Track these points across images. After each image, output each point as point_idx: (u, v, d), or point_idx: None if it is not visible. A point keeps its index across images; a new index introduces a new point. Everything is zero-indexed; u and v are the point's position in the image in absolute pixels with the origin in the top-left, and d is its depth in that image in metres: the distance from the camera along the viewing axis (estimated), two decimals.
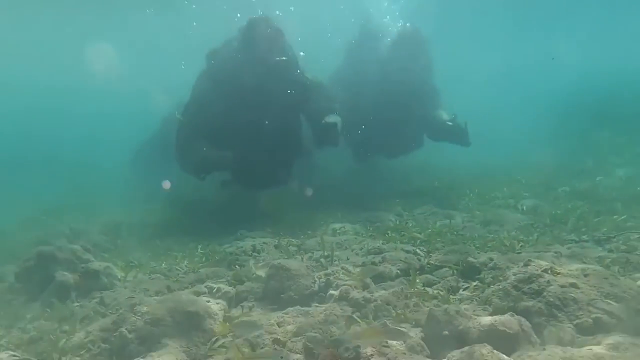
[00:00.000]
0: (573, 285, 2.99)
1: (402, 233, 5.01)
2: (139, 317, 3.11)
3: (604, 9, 20.50)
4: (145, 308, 3.18)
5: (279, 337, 2.99)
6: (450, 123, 6.98)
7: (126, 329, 3.07)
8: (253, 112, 5.87)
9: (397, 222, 5.70)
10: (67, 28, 16.60)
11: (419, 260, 4.07)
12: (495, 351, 2.33)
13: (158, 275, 4.40)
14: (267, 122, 5.89)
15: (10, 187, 10.09)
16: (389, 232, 5.12)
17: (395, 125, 7.32)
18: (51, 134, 18.75)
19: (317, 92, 6.36)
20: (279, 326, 3.11)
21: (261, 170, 6.00)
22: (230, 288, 3.82)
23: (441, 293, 3.43)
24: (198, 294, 3.74)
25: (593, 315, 2.80)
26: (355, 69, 7.75)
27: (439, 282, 3.68)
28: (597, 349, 2.44)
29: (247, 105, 5.84)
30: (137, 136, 9.73)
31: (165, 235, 5.91)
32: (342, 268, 3.79)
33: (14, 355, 2.91)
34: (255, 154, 5.86)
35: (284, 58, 5.90)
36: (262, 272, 3.87)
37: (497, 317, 2.66)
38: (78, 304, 3.95)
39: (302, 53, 6.44)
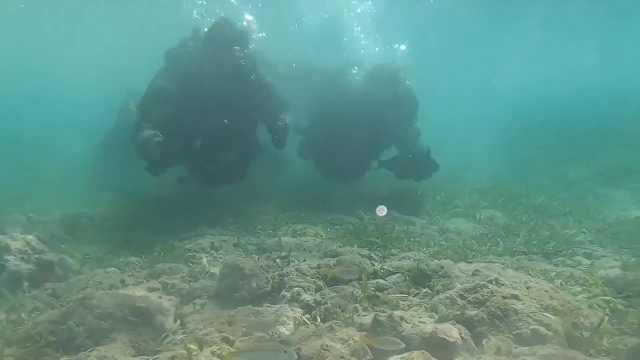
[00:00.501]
0: (515, 296, 3.10)
1: (360, 237, 5.09)
2: (88, 311, 3.11)
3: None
4: (95, 302, 3.18)
5: (228, 336, 3.03)
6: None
7: (74, 322, 3.06)
8: (210, 110, 5.89)
9: (357, 226, 5.78)
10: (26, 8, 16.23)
11: (373, 265, 4.15)
12: (432, 358, 2.41)
13: (113, 268, 4.38)
14: (225, 121, 5.90)
15: None
16: (347, 235, 5.20)
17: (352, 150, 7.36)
18: (11, 118, 18.24)
19: (271, 94, 6.48)
20: (229, 325, 3.15)
21: (217, 167, 6.01)
22: (185, 285, 3.83)
23: (392, 299, 3.50)
24: (151, 289, 3.75)
25: (531, 327, 2.91)
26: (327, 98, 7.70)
27: (391, 288, 3.75)
28: (530, 359, 2.55)
29: (205, 103, 5.87)
30: (100, 125, 9.57)
31: (125, 228, 5.86)
32: (297, 270, 3.84)
33: None
34: (211, 151, 5.88)
35: (242, 62, 5.97)
36: (216, 270, 3.89)
37: (438, 325, 2.74)
38: (29, 294, 3.90)
39: (263, 34, 6.51)
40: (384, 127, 7.26)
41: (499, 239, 5.12)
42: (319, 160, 7.75)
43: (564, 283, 3.67)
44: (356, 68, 7.59)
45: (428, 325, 2.79)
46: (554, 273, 3.88)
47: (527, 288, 3.28)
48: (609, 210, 6.28)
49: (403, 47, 9.02)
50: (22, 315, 3.40)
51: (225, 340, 2.99)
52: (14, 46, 18.37)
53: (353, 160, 7.41)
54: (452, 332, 2.69)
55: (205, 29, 6.22)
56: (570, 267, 4.05)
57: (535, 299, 3.12)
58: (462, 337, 2.71)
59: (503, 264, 4.04)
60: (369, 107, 7.05)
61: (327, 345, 2.41)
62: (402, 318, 2.87)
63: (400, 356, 2.49)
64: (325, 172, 7.72)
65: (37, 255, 4.30)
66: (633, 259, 4.08)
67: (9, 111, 18.85)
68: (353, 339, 2.72)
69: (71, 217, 6.30)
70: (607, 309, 3.17)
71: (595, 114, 14.14)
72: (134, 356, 2.88)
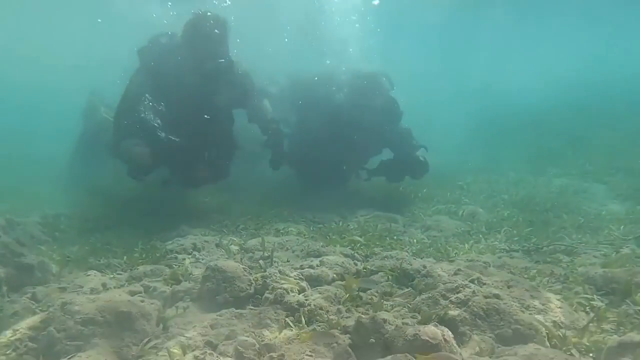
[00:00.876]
0: (496, 296, 3.13)
1: (343, 236, 5.10)
2: (69, 316, 3.07)
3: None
4: (76, 307, 3.14)
5: (211, 340, 3.01)
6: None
7: (55, 328, 3.02)
8: (191, 108, 5.84)
9: (340, 224, 5.78)
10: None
11: (356, 264, 4.16)
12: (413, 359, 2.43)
13: (94, 271, 4.33)
14: (206, 117, 5.85)
15: None
16: (330, 234, 5.20)
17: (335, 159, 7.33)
18: None
19: (253, 89, 6.50)
20: (212, 328, 3.14)
21: (200, 167, 5.97)
22: (167, 287, 3.80)
23: (374, 299, 3.52)
24: (133, 293, 3.71)
25: (513, 326, 2.94)
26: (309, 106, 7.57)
27: (374, 287, 3.76)
28: (512, 359, 2.58)
29: (185, 101, 5.82)
30: (68, 126, 9.43)
31: (106, 229, 5.80)
32: (280, 271, 3.83)
33: None
34: (194, 151, 5.84)
35: (222, 60, 5.94)
36: (199, 272, 3.86)
37: (421, 327, 2.76)
38: (8, 299, 3.84)
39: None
40: (370, 133, 7.12)
41: (480, 236, 5.16)
42: (300, 168, 7.65)
43: (544, 281, 3.70)
44: (338, 73, 7.48)
45: (411, 327, 2.80)
46: (535, 271, 3.92)
47: (509, 287, 3.32)
48: (588, 206, 6.37)
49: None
50: (2, 321, 3.33)
51: (209, 344, 2.98)
52: None
53: (334, 168, 7.36)
54: (435, 334, 2.70)
55: (184, 24, 6.14)
56: (551, 264, 4.10)
57: (516, 298, 3.16)
58: (444, 339, 2.72)
59: (485, 262, 4.07)
60: (351, 114, 6.95)
61: (310, 351, 2.41)
62: (385, 320, 2.88)
63: (382, 359, 2.50)
64: (306, 179, 7.66)
65: (16, 259, 4.23)
66: (613, 255, 4.14)
67: None
68: (336, 342, 2.72)
69: (51, 218, 6.23)
70: (588, 307, 3.21)
71: (572, 109, 14.32)
72: None
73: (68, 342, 2.98)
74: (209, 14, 6.08)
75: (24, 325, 3.18)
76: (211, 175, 6.19)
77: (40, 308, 3.54)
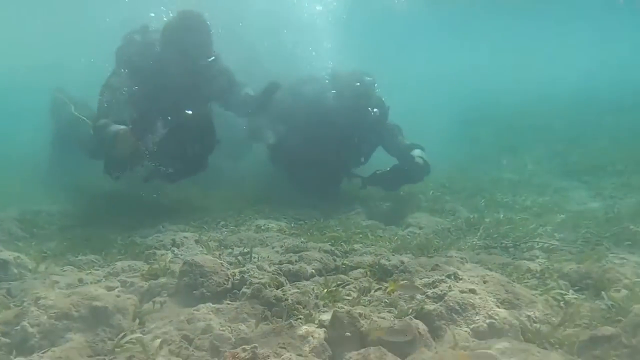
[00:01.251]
0: (472, 291, 3.16)
1: (324, 232, 5.11)
2: (43, 311, 3.04)
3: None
4: (50, 302, 3.11)
5: (187, 334, 3.00)
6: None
7: (28, 322, 2.98)
8: (170, 101, 5.83)
9: (322, 221, 5.79)
10: None
11: (335, 260, 4.17)
12: (388, 353, 2.44)
13: (71, 267, 4.28)
14: (188, 112, 5.82)
15: None
16: (311, 230, 5.21)
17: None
18: None
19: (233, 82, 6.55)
20: (188, 323, 3.12)
21: (181, 161, 5.95)
22: (144, 283, 3.78)
23: (352, 294, 3.53)
24: (110, 288, 3.69)
25: (488, 321, 2.97)
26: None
27: (352, 283, 3.77)
28: (486, 354, 2.59)
29: (165, 100, 5.81)
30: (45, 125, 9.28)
31: (85, 225, 5.74)
32: (258, 267, 3.83)
33: None
34: (175, 145, 5.81)
35: (211, 58, 5.96)
36: (177, 268, 3.84)
37: (396, 321, 2.77)
38: None
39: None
40: (360, 132, 6.96)
41: (460, 233, 5.20)
42: (291, 171, 7.46)
43: (520, 277, 3.74)
44: (323, 76, 7.29)
45: (387, 321, 2.81)
46: (512, 267, 3.97)
47: (484, 282, 3.34)
48: (567, 204, 6.44)
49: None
50: None
51: (185, 338, 2.96)
52: None
53: (326, 172, 7.12)
54: (410, 327, 2.72)
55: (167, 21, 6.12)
56: (528, 260, 4.14)
57: (492, 293, 3.19)
58: (419, 332, 2.74)
59: (462, 258, 4.11)
60: (340, 114, 6.74)
61: (283, 343, 2.41)
62: (361, 314, 2.89)
63: (357, 352, 2.50)
64: (298, 183, 7.41)
65: None
66: (587, 252, 4.20)
67: None
68: (312, 336, 2.73)
69: (29, 214, 6.15)
70: (562, 302, 3.25)
71: (557, 109, 14.50)
72: (90, 356, 2.83)
73: (42, 337, 2.96)
74: (192, 10, 6.07)
75: None
76: (190, 168, 6.16)
77: (15, 303, 3.48)
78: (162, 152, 5.81)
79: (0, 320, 3.11)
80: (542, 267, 3.91)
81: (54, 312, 3.04)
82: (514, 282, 3.48)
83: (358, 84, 6.72)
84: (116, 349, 2.85)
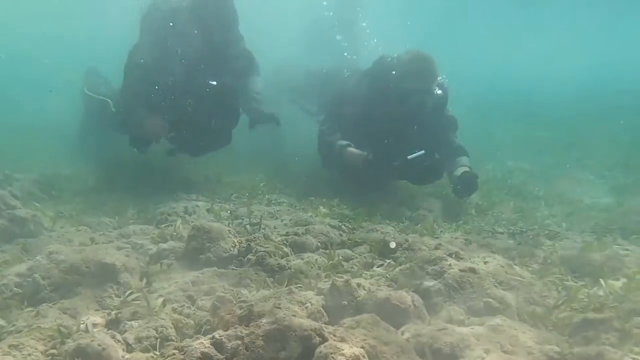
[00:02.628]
0: (472, 270, 3.20)
1: (333, 208, 5.17)
2: (55, 265, 3.17)
3: None
4: (62, 256, 3.23)
5: (191, 295, 3.10)
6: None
7: (40, 275, 3.11)
8: (195, 75, 5.87)
9: (332, 199, 5.83)
10: None
11: (341, 235, 4.24)
12: (381, 321, 2.51)
13: (85, 227, 4.42)
14: (213, 83, 5.84)
15: None
16: (320, 206, 5.27)
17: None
18: None
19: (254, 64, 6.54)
20: (192, 285, 3.22)
21: (204, 135, 6.01)
22: (154, 245, 3.89)
23: (355, 268, 3.60)
24: (120, 248, 3.81)
25: (484, 300, 3.01)
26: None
27: (356, 258, 3.84)
28: (478, 329, 2.65)
29: (192, 71, 5.84)
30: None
31: (102, 191, 5.87)
32: (265, 236, 3.91)
33: None
34: (199, 119, 5.86)
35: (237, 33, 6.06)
36: (185, 233, 3.94)
37: (392, 292, 2.83)
38: (0, 249, 3.94)
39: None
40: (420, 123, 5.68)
41: (469, 217, 5.22)
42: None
43: (523, 260, 3.77)
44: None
45: (383, 292, 2.88)
46: (515, 251, 3.99)
47: (485, 263, 3.39)
48: (580, 196, 6.41)
49: None
50: None
51: (189, 298, 3.07)
52: None
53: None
54: (405, 299, 2.78)
55: None
56: (533, 246, 4.16)
57: (491, 274, 3.22)
58: (414, 305, 2.80)
59: (467, 239, 4.14)
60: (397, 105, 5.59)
61: (279, 304, 2.49)
62: (359, 285, 2.96)
63: (351, 318, 2.57)
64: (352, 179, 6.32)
65: (9, 211, 4.33)
66: (592, 242, 4.20)
67: None
68: (310, 302, 2.80)
69: (49, 176, 6.31)
70: (560, 287, 3.28)
71: (575, 101, 14.30)
72: (97, 310, 2.95)
73: (52, 290, 3.09)
74: None
75: (11, 271, 3.28)
76: (215, 142, 6.20)
77: (29, 258, 3.62)
78: (185, 125, 5.86)
79: (14, 272, 3.25)
80: (546, 253, 3.93)
81: (65, 267, 3.17)
82: (516, 265, 3.51)
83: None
84: (122, 305, 2.95)
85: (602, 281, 3.24)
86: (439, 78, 5.58)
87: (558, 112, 12.75)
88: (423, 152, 5.39)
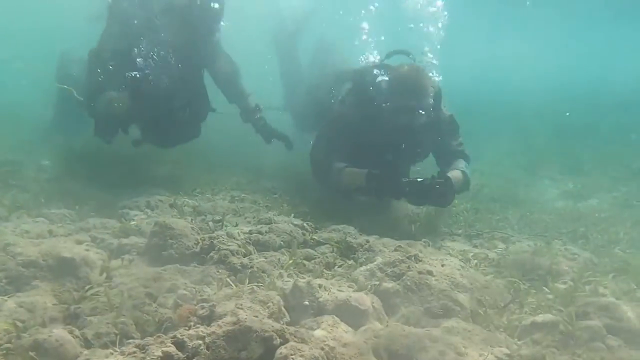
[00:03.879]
0: (430, 272, 3.31)
1: (296, 207, 5.23)
2: (11, 257, 3.12)
3: None
4: (19, 249, 3.18)
5: (152, 292, 3.10)
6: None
7: None
8: (164, 64, 5.79)
9: (296, 197, 5.88)
10: None
11: (304, 234, 4.30)
12: (340, 322, 2.58)
13: (43, 219, 4.34)
14: (179, 65, 5.77)
15: None
16: (284, 204, 5.31)
17: None
18: None
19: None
20: (154, 281, 3.22)
21: (172, 127, 5.94)
22: (115, 240, 3.86)
23: (317, 267, 3.66)
24: (80, 242, 3.76)
25: (441, 302, 3.12)
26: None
27: (318, 257, 3.90)
28: (433, 331, 2.75)
29: (160, 64, 5.75)
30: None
31: (63, 181, 5.76)
32: (228, 234, 3.93)
33: None
34: (166, 111, 5.80)
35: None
36: (147, 228, 3.93)
37: (352, 294, 2.91)
38: None
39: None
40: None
41: (429, 219, 5.35)
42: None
43: (478, 263, 3.91)
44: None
45: (343, 293, 2.95)
46: (472, 254, 4.14)
47: (442, 265, 3.49)
48: (534, 199, 6.65)
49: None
50: None
51: (149, 295, 3.06)
52: None
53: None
54: (365, 300, 2.86)
55: None
56: (487, 249, 4.32)
57: (447, 276, 3.33)
58: (373, 306, 2.89)
59: (425, 241, 4.26)
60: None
61: (241, 304, 2.52)
62: (320, 286, 3.02)
63: (312, 319, 2.64)
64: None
65: None
66: (543, 245, 4.39)
67: None
68: (272, 302, 2.85)
69: (6, 163, 6.15)
70: (512, 290, 3.42)
71: (537, 105, 14.73)
72: (55, 304, 2.91)
73: (8, 282, 3.04)
74: None
75: None
76: (183, 134, 6.15)
77: None
78: (153, 116, 5.79)
79: None
80: (499, 256, 4.09)
81: (22, 259, 3.12)
82: (471, 267, 3.64)
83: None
84: (81, 300, 2.93)
85: (549, 285, 3.40)
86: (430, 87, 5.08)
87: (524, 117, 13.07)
88: (437, 176, 4.80)
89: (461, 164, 5.35)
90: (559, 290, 3.34)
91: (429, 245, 4.19)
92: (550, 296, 3.28)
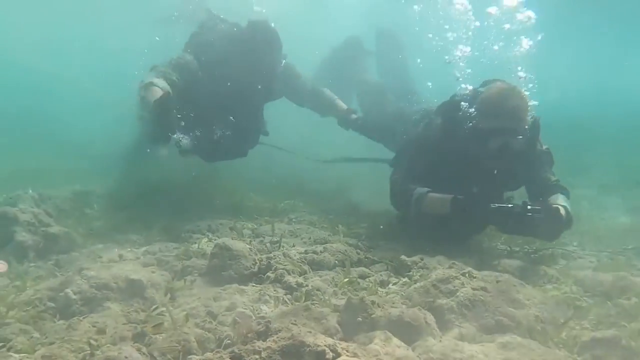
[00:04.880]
0: (484, 289, 3.30)
1: (351, 227, 5.31)
2: (85, 280, 3.36)
3: None
4: (92, 272, 3.42)
5: (212, 310, 3.25)
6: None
7: (72, 290, 3.30)
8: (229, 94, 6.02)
9: (350, 218, 5.97)
10: None
11: (358, 253, 4.37)
12: (393, 337, 2.62)
13: (114, 244, 4.62)
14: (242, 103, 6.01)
15: None
16: (339, 225, 5.41)
17: None
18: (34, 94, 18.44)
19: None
20: (214, 301, 3.38)
21: (222, 146, 6.14)
22: (178, 262, 4.07)
23: (371, 285, 3.71)
24: (146, 265, 3.99)
25: (496, 318, 3.10)
26: None
27: (372, 276, 3.95)
28: (488, 346, 2.74)
29: (224, 92, 5.99)
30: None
31: (130, 208, 6.10)
32: (284, 254, 4.06)
33: None
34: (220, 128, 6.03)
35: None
36: (208, 250, 4.11)
37: (405, 310, 2.95)
38: (34, 264, 4.16)
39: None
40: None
41: (485, 238, 5.29)
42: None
43: (536, 280, 3.84)
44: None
45: (396, 309, 2.99)
46: (530, 271, 4.06)
47: (497, 282, 3.46)
48: (599, 216, 6.43)
49: None
50: (26, 282, 3.63)
51: (210, 313, 3.21)
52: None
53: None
54: (418, 316, 2.89)
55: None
56: (546, 266, 4.22)
57: (503, 292, 3.31)
58: (426, 322, 2.91)
59: (480, 259, 4.22)
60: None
61: (295, 320, 2.62)
62: (373, 302, 3.07)
63: (364, 334, 2.70)
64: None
65: (43, 228, 4.57)
66: (606, 262, 4.25)
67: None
68: (326, 318, 2.93)
69: (80, 194, 6.56)
70: (571, 305, 3.35)
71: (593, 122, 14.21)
72: (124, 324, 3.10)
73: (83, 304, 3.27)
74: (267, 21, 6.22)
75: (44, 286, 3.48)
76: (231, 153, 6.37)
77: (61, 273, 3.82)
78: (205, 137, 6.01)
79: (47, 287, 3.45)
80: (560, 273, 4.00)
81: (95, 282, 3.36)
82: (528, 284, 3.59)
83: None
84: (148, 319, 3.11)
85: (614, 300, 3.30)
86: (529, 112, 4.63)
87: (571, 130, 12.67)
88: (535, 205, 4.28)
89: (560, 198, 4.67)
90: (622, 306, 3.25)
91: (484, 262, 4.15)
92: (612, 312, 3.18)
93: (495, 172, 4.61)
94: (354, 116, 6.34)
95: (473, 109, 4.72)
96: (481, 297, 3.23)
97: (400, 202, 5.11)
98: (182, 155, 6.15)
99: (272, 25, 6.19)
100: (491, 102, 4.57)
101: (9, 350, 2.68)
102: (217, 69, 6.03)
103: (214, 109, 6.02)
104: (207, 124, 6.01)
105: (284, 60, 6.36)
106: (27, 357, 2.47)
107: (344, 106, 6.40)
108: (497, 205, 4.31)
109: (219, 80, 6.01)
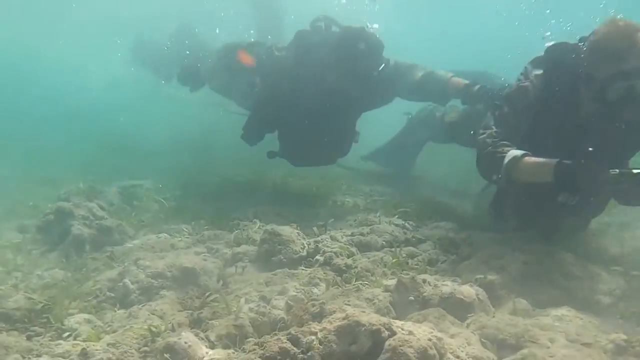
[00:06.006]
0: (537, 262, 3.26)
1: (397, 207, 5.28)
2: (141, 270, 3.48)
3: None
4: (147, 262, 3.54)
5: (265, 295, 3.31)
6: None
7: (129, 280, 3.43)
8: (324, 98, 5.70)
9: (395, 198, 5.94)
10: None
11: (405, 233, 4.35)
12: (447, 314, 2.63)
13: (165, 234, 4.74)
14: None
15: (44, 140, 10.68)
16: (385, 206, 5.40)
17: None
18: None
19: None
20: (266, 285, 3.44)
21: (312, 149, 5.97)
22: (228, 249, 4.15)
23: (420, 264, 3.71)
24: (198, 253, 4.10)
25: (549, 291, 3.07)
26: None
27: (421, 255, 3.94)
28: (544, 319, 2.72)
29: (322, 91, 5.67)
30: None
31: (179, 199, 6.26)
32: (331, 237, 4.09)
33: (30, 298, 3.26)
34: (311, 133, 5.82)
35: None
36: (258, 237, 4.18)
37: (457, 287, 2.94)
38: (91, 256, 4.32)
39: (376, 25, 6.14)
40: None
41: None
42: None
43: (588, 252, 3.75)
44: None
45: (448, 287, 2.98)
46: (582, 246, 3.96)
47: (548, 256, 3.41)
48: None
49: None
50: (87, 274, 3.79)
51: (263, 298, 3.28)
52: None
53: None
54: (470, 293, 2.88)
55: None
56: (601, 238, 4.11)
57: (556, 266, 3.26)
58: (479, 298, 2.89)
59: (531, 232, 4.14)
60: None
61: (349, 301, 2.65)
62: (424, 281, 3.08)
63: (417, 312, 2.71)
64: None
65: (97, 222, 4.74)
66: None
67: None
68: (377, 299, 2.95)
69: (130, 187, 6.76)
70: (627, 277, 3.26)
71: None
72: (180, 311, 3.21)
73: (140, 293, 3.40)
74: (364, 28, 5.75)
75: (103, 277, 3.62)
76: (317, 159, 6.20)
77: (117, 265, 3.96)
78: (295, 142, 5.95)
79: (106, 278, 3.59)
80: (613, 246, 3.90)
81: (151, 272, 3.47)
82: (581, 259, 3.51)
83: None
84: (203, 306, 3.20)
85: None
86: None
87: None
88: None
89: None
90: None
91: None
92: None
93: (618, 126, 3.65)
94: (476, 87, 5.26)
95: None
96: (532, 271, 3.19)
97: (489, 167, 3.99)
98: (269, 157, 6.02)
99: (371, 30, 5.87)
100: (611, 37, 3.52)
101: (75, 339, 2.81)
102: (316, 73, 5.71)
103: (308, 113, 5.92)
104: (301, 128, 5.86)
105: (383, 64, 5.78)
106: (94, 345, 2.57)
107: (463, 81, 5.50)
108: (618, 171, 3.24)
109: (316, 84, 5.71)
